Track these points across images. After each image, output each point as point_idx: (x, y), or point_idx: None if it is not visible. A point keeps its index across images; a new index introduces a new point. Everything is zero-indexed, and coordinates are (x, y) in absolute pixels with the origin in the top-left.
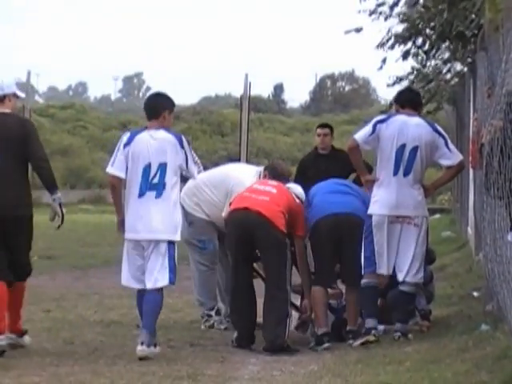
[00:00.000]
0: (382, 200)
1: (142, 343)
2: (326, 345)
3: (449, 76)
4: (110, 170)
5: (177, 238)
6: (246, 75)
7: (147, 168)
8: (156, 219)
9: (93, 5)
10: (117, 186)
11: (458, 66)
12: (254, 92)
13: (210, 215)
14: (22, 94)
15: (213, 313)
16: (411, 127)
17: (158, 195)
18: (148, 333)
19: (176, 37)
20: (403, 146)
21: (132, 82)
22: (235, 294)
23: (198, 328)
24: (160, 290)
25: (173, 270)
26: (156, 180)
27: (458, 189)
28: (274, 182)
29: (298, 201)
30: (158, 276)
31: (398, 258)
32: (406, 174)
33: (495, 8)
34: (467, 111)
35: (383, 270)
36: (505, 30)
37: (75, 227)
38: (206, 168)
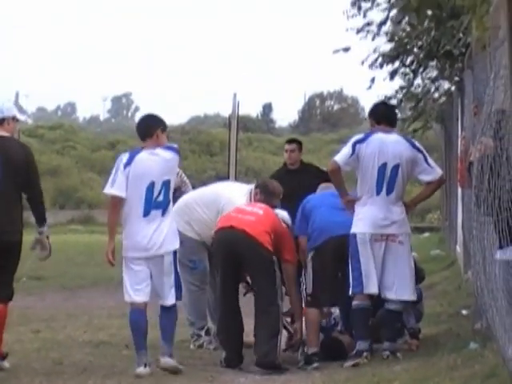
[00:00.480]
0: (365, 218)
1: (164, 355)
2: (316, 364)
3: (437, 95)
4: (111, 190)
5: (177, 246)
6: (235, 95)
7: (151, 187)
8: (163, 236)
9: (80, 25)
10: (118, 207)
11: (446, 85)
12: (242, 111)
13: (201, 234)
14: (21, 118)
15: (202, 332)
16: (391, 145)
17: (164, 213)
18: (170, 346)
19: (164, 57)
20: (384, 165)
21: (121, 102)
22: (222, 314)
23: (187, 347)
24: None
25: (179, 287)
26: (161, 198)
27: (447, 207)
28: (261, 205)
29: (284, 225)
30: (167, 294)
31: (385, 277)
32: (388, 193)
33: (482, 26)
34: (455, 129)
35: (372, 289)
36: (492, 49)
37: (64, 247)
38: (194, 187)
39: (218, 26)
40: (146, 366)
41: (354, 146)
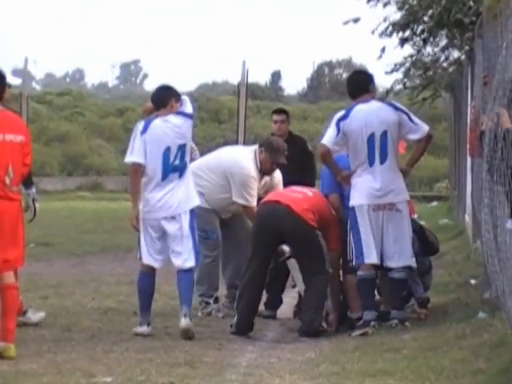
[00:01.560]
0: (362, 190)
1: (185, 316)
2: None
3: (446, 64)
4: (131, 158)
5: (197, 201)
6: (244, 62)
7: (167, 152)
8: (179, 196)
9: None
10: (139, 173)
11: (456, 54)
12: (251, 79)
13: (210, 201)
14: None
15: (211, 300)
16: (374, 113)
17: (181, 175)
18: (188, 307)
19: (173, 24)
20: (373, 135)
21: (129, 69)
22: (246, 281)
23: (195, 316)
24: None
25: (197, 251)
26: (177, 162)
27: (456, 176)
28: (313, 189)
29: (333, 212)
30: (184, 256)
31: (385, 246)
32: (382, 161)
33: None
34: (465, 99)
35: (372, 259)
36: (503, 18)
37: (72, 214)
38: (202, 154)
39: None
40: (148, 324)
41: (337, 124)
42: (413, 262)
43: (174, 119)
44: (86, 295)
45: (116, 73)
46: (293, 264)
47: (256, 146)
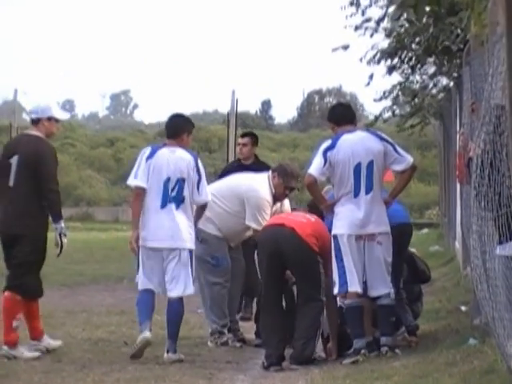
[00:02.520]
0: (344, 219)
1: (168, 351)
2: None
3: (435, 91)
4: (134, 181)
5: (193, 246)
6: (233, 91)
7: (167, 182)
8: (179, 229)
9: (79, 23)
10: (141, 197)
11: (444, 81)
12: (241, 108)
13: (223, 230)
14: (61, 117)
15: (225, 330)
16: (361, 143)
17: (177, 207)
18: (173, 341)
19: (163, 54)
20: (359, 165)
21: (119, 99)
22: (265, 312)
23: (186, 345)
24: (181, 299)
25: (187, 282)
26: (174, 193)
27: (446, 203)
28: (314, 216)
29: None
30: (184, 284)
31: (369, 276)
32: (367, 192)
33: (480, 22)
34: (454, 126)
35: (356, 287)
36: (490, 44)
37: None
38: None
39: (217, 22)
40: (150, 330)
41: (324, 154)
42: (392, 293)
43: (181, 153)
44: (76, 326)
45: (106, 103)
46: None
47: (269, 172)
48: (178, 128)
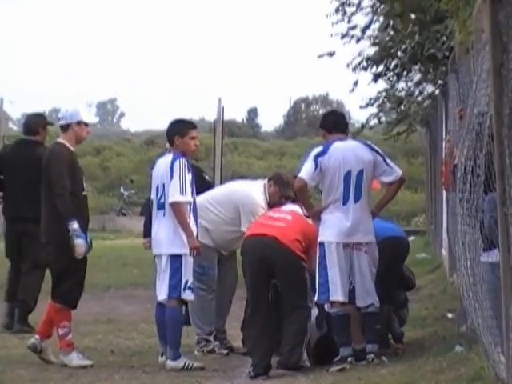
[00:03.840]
0: (333, 227)
1: (162, 355)
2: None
3: (420, 98)
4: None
5: (180, 251)
6: (220, 99)
7: (156, 189)
8: (159, 235)
9: (64, 31)
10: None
11: (430, 88)
12: (227, 116)
13: (216, 240)
14: (91, 120)
15: (211, 338)
16: (352, 152)
17: (164, 214)
18: (169, 347)
19: (149, 62)
20: (349, 173)
21: (106, 108)
22: (251, 321)
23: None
24: (175, 304)
25: (175, 285)
26: (162, 200)
27: (432, 210)
28: (288, 209)
29: (313, 228)
30: (162, 289)
31: (357, 286)
32: (356, 200)
33: (465, 30)
34: (440, 133)
35: (338, 296)
36: (475, 52)
37: None
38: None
39: (203, 30)
40: (162, 355)
41: (315, 159)
42: (376, 302)
43: (167, 158)
44: None
45: (92, 111)
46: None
47: (265, 180)
48: (170, 134)
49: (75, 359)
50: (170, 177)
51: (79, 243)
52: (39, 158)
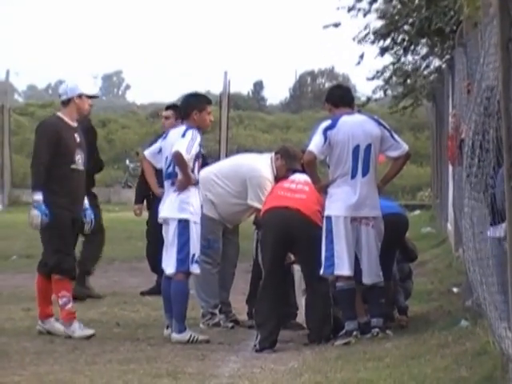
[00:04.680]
0: (340, 201)
1: (168, 327)
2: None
3: (427, 72)
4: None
5: (187, 216)
6: (226, 73)
7: (166, 160)
8: (168, 202)
9: (70, 3)
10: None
11: (437, 62)
12: (233, 89)
13: (222, 210)
14: (92, 91)
15: (216, 311)
16: (360, 126)
17: (172, 183)
18: (175, 320)
19: (155, 34)
20: (358, 147)
21: (111, 80)
22: (264, 294)
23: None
24: (182, 278)
25: (183, 258)
26: (170, 169)
27: (438, 185)
28: (301, 179)
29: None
30: (166, 263)
31: (363, 263)
32: (364, 174)
33: (473, 4)
34: (446, 107)
35: (344, 270)
36: (483, 26)
37: None
38: (207, 164)
39: (209, 3)
40: (167, 327)
41: (324, 133)
42: (381, 279)
43: (178, 129)
44: None
45: (98, 84)
46: (299, 272)
47: (272, 154)
48: (186, 108)
49: (77, 330)
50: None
51: (34, 214)
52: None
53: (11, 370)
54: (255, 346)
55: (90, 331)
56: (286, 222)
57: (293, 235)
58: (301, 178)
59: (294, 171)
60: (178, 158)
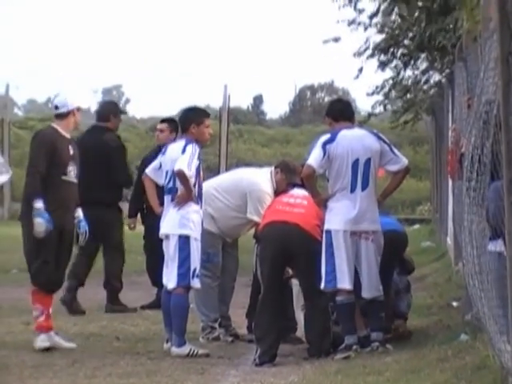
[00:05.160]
0: (340, 215)
1: (167, 341)
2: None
3: (426, 86)
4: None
5: (187, 232)
6: (225, 86)
7: (166, 175)
8: (169, 218)
9: (70, 17)
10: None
11: (437, 77)
12: (233, 103)
13: (221, 225)
14: (84, 104)
15: (216, 325)
16: (360, 140)
17: (171, 199)
18: (175, 334)
19: (154, 49)
20: (357, 161)
21: (111, 94)
22: (263, 308)
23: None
24: (181, 292)
25: (184, 273)
26: (170, 184)
27: (437, 199)
28: (300, 193)
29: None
30: (167, 278)
31: (363, 277)
32: (363, 188)
33: (473, 18)
34: (446, 121)
35: (345, 284)
36: (483, 40)
37: None
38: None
39: (208, 17)
40: (167, 341)
41: (324, 146)
42: (381, 293)
43: (178, 144)
44: (68, 320)
45: (98, 98)
46: (297, 287)
47: (271, 168)
48: (184, 122)
49: (38, 342)
50: (181, 155)
51: (38, 222)
52: (106, 144)
53: (10, 383)
54: (255, 360)
55: (46, 344)
56: (284, 237)
57: (291, 250)
58: (300, 192)
59: (294, 185)
60: (180, 176)
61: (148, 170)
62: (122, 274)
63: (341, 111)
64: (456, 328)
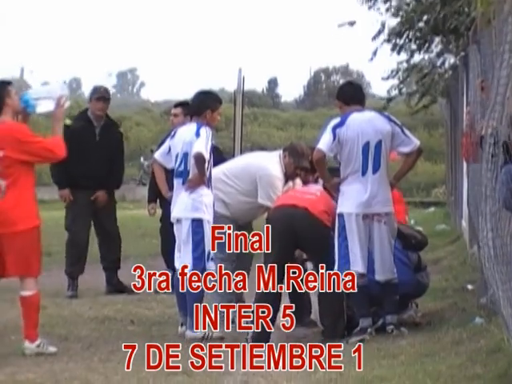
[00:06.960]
0: (352, 198)
1: (182, 325)
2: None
3: (441, 69)
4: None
5: (200, 215)
6: (240, 70)
7: (176, 158)
8: (181, 202)
9: (85, 1)
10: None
11: (452, 59)
12: (247, 86)
13: (232, 209)
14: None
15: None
16: (370, 122)
17: (182, 182)
18: (185, 315)
19: (169, 31)
20: (367, 143)
21: (126, 78)
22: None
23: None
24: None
25: (199, 256)
26: (181, 168)
27: (452, 182)
28: (317, 187)
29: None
30: (181, 260)
31: (376, 260)
32: (375, 171)
33: (486, 1)
34: (461, 104)
35: (359, 267)
36: (497, 23)
37: None
38: (225, 160)
39: (223, 0)
40: (182, 325)
41: (333, 130)
42: (394, 275)
43: (190, 127)
44: (83, 304)
45: (113, 81)
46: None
47: (280, 151)
48: (199, 106)
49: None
50: (196, 138)
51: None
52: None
53: (26, 367)
54: (246, 340)
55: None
56: (291, 218)
57: (298, 231)
58: (316, 187)
59: (302, 169)
60: (199, 159)
61: (157, 155)
62: (137, 257)
63: (351, 94)
64: (471, 311)
